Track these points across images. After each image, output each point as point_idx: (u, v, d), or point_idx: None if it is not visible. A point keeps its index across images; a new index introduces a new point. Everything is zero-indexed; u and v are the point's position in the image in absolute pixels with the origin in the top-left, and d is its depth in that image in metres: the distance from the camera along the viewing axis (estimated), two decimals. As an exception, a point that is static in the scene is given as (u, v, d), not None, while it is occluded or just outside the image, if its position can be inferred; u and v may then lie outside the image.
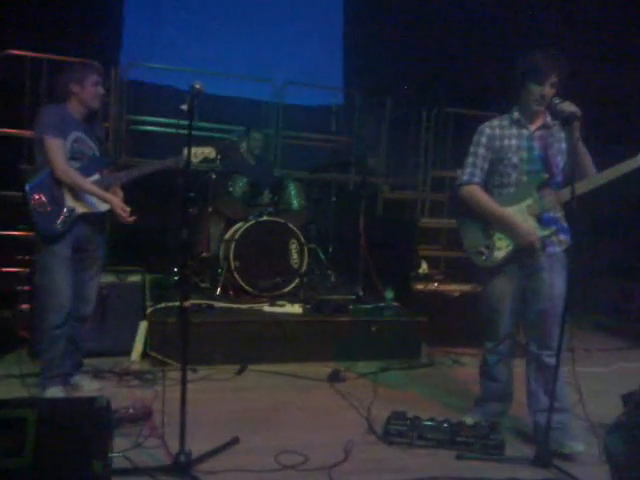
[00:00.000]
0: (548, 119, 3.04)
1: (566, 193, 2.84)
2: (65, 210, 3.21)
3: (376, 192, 6.68)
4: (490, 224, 3.05)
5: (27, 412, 2.21)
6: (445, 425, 3.01)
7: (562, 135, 3.01)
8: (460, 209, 3.19)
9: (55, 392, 3.26)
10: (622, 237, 5.97)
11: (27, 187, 3.16)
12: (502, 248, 3.01)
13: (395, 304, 4.83)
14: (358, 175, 6.19)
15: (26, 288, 4.44)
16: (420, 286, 5.04)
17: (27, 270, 4.68)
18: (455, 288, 5.03)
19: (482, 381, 3.30)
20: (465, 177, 3.10)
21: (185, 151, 3.19)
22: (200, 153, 3.47)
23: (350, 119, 7.09)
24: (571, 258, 2.89)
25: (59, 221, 3.19)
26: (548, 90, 2.91)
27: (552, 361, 2.84)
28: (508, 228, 2.98)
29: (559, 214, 3.02)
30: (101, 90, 3.35)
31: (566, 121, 2.82)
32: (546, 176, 2.97)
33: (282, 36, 7.79)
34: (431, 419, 3.05)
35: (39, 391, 3.30)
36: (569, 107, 2.82)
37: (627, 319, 5.84)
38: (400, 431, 2.99)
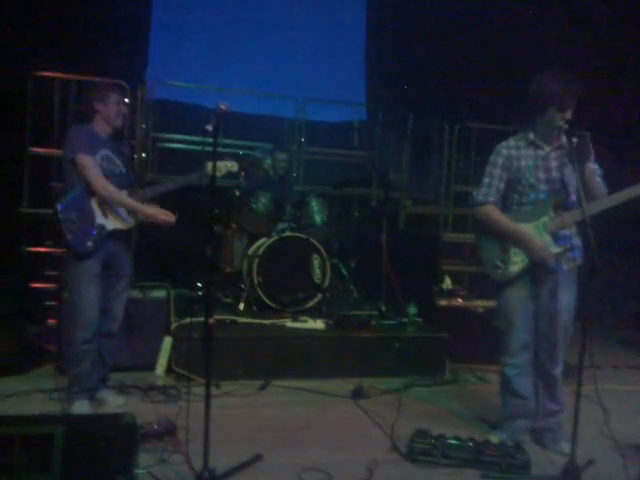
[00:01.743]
0: (563, 140, 3.08)
1: (578, 212, 2.90)
2: (96, 227, 3.28)
3: (398, 207, 6.66)
4: (506, 240, 3.13)
5: (55, 428, 2.25)
6: (470, 444, 2.97)
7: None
8: (478, 226, 3.30)
9: (82, 407, 3.31)
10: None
11: (58, 207, 3.22)
12: (517, 263, 3.11)
13: (418, 320, 4.80)
14: (380, 190, 6.18)
15: (54, 303, 4.52)
16: (444, 302, 5.01)
17: (54, 285, 4.77)
18: (479, 304, 4.98)
19: (504, 397, 3.30)
20: (480, 197, 3.20)
21: (209, 166, 3.25)
22: (223, 167, 3.54)
23: (372, 135, 7.11)
24: (592, 274, 2.88)
25: (90, 238, 3.26)
26: (568, 115, 2.97)
27: (556, 373, 3.14)
28: (523, 244, 3.07)
29: (573, 231, 3.11)
30: (124, 109, 3.44)
31: (579, 146, 2.89)
32: (563, 196, 3.05)
33: (304, 52, 7.86)
34: (456, 437, 3.02)
35: (66, 406, 3.35)
36: (581, 132, 2.88)
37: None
38: (424, 449, 2.96)
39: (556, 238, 3.05)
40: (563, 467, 2.80)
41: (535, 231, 3.06)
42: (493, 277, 3.20)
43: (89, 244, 3.25)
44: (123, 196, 3.32)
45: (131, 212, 3.38)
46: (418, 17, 7.43)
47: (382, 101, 7.40)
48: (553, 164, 3.09)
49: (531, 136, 3.13)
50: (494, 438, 3.13)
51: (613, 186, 3.00)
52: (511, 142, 3.18)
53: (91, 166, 3.23)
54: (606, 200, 2.96)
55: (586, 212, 2.73)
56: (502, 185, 3.16)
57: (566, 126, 2.92)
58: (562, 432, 3.15)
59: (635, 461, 2.98)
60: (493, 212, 3.15)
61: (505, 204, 3.19)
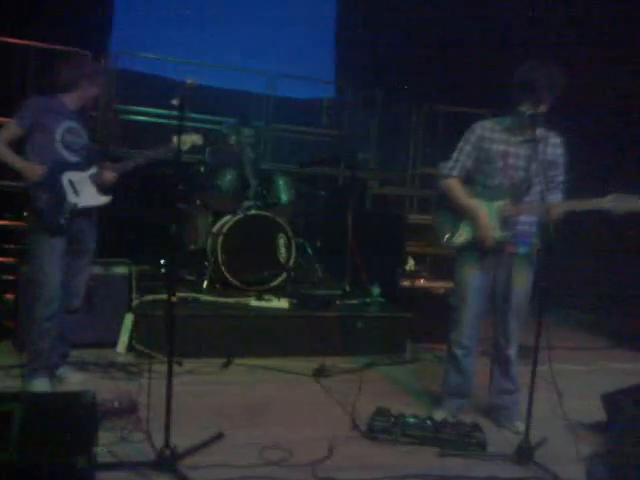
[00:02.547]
0: (538, 132, 3.10)
1: (536, 206, 3.07)
2: (67, 204, 3.25)
3: (365, 187, 6.68)
4: (461, 213, 3.24)
5: (13, 405, 2.22)
6: (428, 422, 3.05)
7: (549, 150, 3.13)
8: (441, 199, 3.39)
9: (41, 384, 3.25)
10: (605, 240, 6.03)
11: (29, 182, 3.19)
12: (462, 235, 3.25)
13: (381, 300, 4.85)
14: (347, 170, 6.19)
15: (11, 277, 4.41)
16: (406, 282, 5.07)
17: (12, 260, 4.65)
18: (441, 285, 5.07)
19: (448, 374, 3.40)
20: (445, 170, 3.31)
21: (175, 140, 3.23)
22: (189, 140, 3.48)
23: (341, 113, 7.09)
24: (546, 258, 2.98)
25: (63, 216, 3.23)
26: (543, 107, 3.05)
27: (511, 353, 3.26)
28: (473, 218, 3.19)
29: (533, 219, 3.17)
30: (100, 92, 3.48)
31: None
32: (525, 185, 3.12)
33: (274, 27, 7.76)
34: (415, 416, 3.09)
35: (24, 383, 3.29)
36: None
37: (610, 318, 5.90)
38: (384, 427, 3.02)
39: (506, 224, 3.13)
40: (517, 445, 2.90)
41: (488, 212, 3.15)
42: (440, 242, 3.36)
43: (62, 222, 3.22)
44: (6, 152, 3.19)
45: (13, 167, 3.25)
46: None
47: (351, 79, 7.37)
48: (523, 153, 3.14)
49: (508, 122, 3.18)
50: (437, 414, 3.24)
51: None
52: (487, 123, 3.24)
53: (6, 128, 3.21)
54: (567, 204, 3.02)
55: (546, 207, 2.84)
56: (469, 162, 3.24)
57: (529, 112, 2.98)
58: (517, 411, 3.26)
59: (586, 440, 3.10)
60: (454, 185, 3.26)
61: (472, 182, 3.26)
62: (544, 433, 3.02)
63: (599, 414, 3.34)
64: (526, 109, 2.99)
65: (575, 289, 5.99)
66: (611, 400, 3.30)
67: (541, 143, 3.11)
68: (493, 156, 3.16)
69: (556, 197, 3.13)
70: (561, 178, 3.20)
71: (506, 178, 3.15)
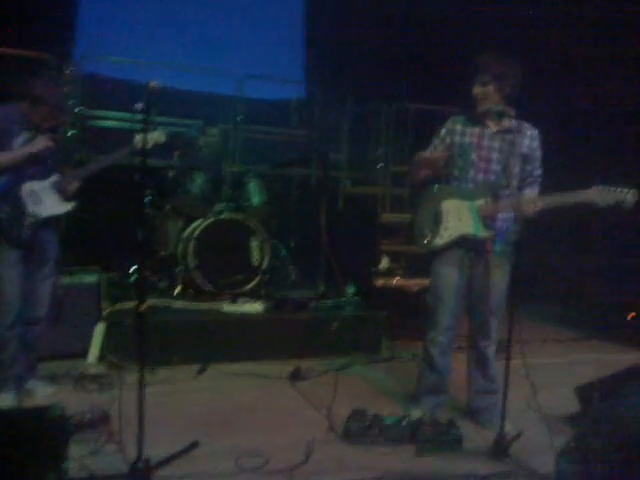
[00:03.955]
0: (513, 122, 3.08)
1: (517, 202, 2.96)
2: (29, 216, 3.18)
3: (337, 187, 6.67)
4: (440, 214, 3.17)
5: (-23, 424, 2.15)
6: (405, 422, 3.04)
7: (523, 141, 3.11)
8: (418, 196, 3.38)
9: (5, 398, 3.17)
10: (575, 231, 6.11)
11: None
12: (444, 237, 3.18)
13: (356, 299, 4.85)
14: (319, 170, 6.18)
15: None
16: (381, 281, 5.08)
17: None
18: (415, 283, 5.09)
19: (423, 373, 3.38)
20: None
21: (137, 139, 3.23)
22: (149, 139, 3.40)
23: (311, 113, 7.06)
24: (519, 251, 2.98)
25: (26, 227, 3.16)
26: (479, 89, 3.06)
27: (489, 351, 3.23)
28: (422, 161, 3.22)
29: (509, 216, 3.12)
30: (50, 114, 3.26)
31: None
32: (504, 183, 3.09)
33: (242, 28, 7.71)
34: (391, 416, 3.08)
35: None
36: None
37: (582, 310, 5.98)
38: (360, 429, 3.00)
39: (488, 222, 3.10)
40: (493, 440, 2.91)
41: (468, 211, 3.11)
42: (419, 245, 3.29)
43: (26, 234, 3.17)
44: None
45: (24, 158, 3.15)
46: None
47: (321, 79, 7.36)
48: (496, 145, 3.11)
49: (479, 114, 3.14)
50: (414, 413, 3.23)
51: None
52: (459, 117, 3.23)
53: None
54: (552, 198, 2.97)
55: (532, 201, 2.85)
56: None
57: (498, 108, 2.98)
58: (497, 411, 3.12)
59: (561, 432, 3.13)
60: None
61: (447, 179, 3.24)
62: (519, 427, 3.04)
63: (574, 406, 3.38)
64: (495, 106, 2.98)
65: (544, 282, 6.05)
66: (585, 392, 3.34)
67: (515, 134, 3.07)
68: (465, 149, 3.13)
69: (533, 192, 3.12)
70: (538, 172, 3.19)
71: (480, 171, 3.12)
